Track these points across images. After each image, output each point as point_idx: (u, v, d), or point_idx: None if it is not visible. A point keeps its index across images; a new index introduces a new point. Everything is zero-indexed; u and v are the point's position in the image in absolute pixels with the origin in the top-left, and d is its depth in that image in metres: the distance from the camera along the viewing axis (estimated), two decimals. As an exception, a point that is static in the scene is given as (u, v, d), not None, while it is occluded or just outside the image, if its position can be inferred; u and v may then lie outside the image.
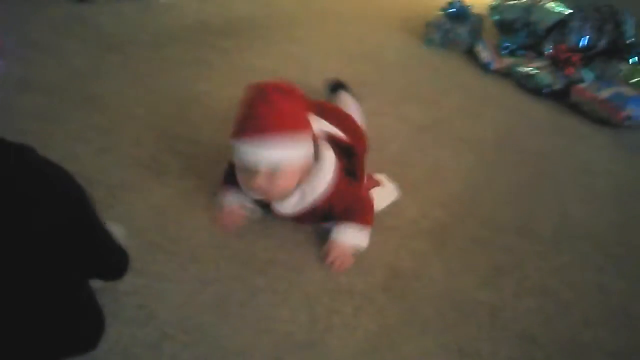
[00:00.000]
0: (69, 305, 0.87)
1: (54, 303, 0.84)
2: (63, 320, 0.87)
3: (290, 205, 1.27)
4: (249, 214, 1.34)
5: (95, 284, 1.03)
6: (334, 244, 1.29)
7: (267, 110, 1.12)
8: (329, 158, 1.26)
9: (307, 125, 1.20)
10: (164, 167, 1.48)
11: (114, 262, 0.97)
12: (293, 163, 1.17)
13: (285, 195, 1.25)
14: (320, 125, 1.32)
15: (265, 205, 1.32)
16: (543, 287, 1.34)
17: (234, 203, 1.33)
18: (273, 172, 1.15)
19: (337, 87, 1.85)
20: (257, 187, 1.17)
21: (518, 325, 1.22)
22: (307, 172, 1.23)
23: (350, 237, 1.29)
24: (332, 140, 1.32)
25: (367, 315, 1.18)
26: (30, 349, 0.84)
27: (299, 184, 1.23)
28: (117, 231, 1.10)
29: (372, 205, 1.37)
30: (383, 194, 1.48)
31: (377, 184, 1.48)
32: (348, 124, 1.47)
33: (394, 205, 1.49)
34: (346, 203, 1.29)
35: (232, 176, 1.29)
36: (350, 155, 1.34)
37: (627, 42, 2.47)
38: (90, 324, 0.95)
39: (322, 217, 1.32)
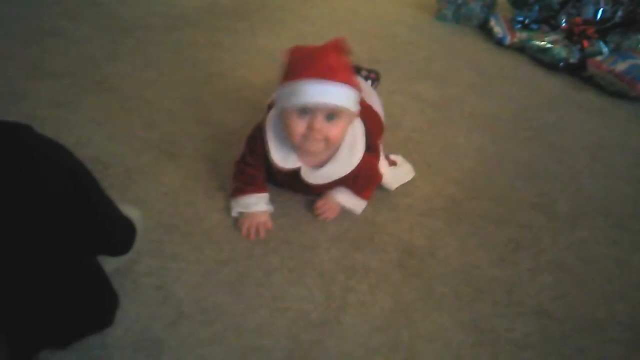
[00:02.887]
0: (77, 281, 0.87)
1: (61, 280, 0.83)
2: (72, 297, 0.86)
3: (320, 176, 1.25)
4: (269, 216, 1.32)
5: (112, 265, 1.05)
6: (329, 198, 1.34)
7: (331, 58, 1.12)
8: (359, 124, 1.26)
9: (357, 82, 1.20)
10: (177, 150, 1.49)
11: (119, 233, 0.96)
12: (349, 111, 1.15)
13: (331, 151, 1.23)
14: None
15: (294, 177, 1.28)
16: (559, 262, 1.33)
17: (257, 206, 1.29)
18: (329, 119, 1.13)
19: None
20: (318, 128, 1.13)
21: (534, 301, 1.22)
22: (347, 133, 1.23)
23: (347, 200, 1.34)
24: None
25: (382, 293, 1.18)
26: (42, 327, 0.84)
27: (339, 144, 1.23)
28: (133, 214, 1.11)
29: (378, 182, 1.39)
30: (400, 175, 1.47)
31: (393, 163, 1.47)
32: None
33: (407, 183, 1.48)
34: (367, 173, 1.30)
35: (249, 165, 1.29)
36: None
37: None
38: (101, 299, 0.95)
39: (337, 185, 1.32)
